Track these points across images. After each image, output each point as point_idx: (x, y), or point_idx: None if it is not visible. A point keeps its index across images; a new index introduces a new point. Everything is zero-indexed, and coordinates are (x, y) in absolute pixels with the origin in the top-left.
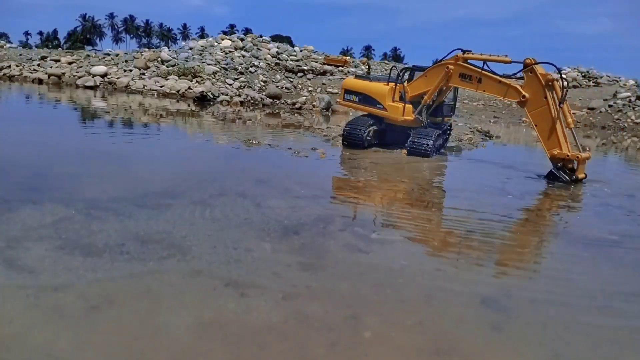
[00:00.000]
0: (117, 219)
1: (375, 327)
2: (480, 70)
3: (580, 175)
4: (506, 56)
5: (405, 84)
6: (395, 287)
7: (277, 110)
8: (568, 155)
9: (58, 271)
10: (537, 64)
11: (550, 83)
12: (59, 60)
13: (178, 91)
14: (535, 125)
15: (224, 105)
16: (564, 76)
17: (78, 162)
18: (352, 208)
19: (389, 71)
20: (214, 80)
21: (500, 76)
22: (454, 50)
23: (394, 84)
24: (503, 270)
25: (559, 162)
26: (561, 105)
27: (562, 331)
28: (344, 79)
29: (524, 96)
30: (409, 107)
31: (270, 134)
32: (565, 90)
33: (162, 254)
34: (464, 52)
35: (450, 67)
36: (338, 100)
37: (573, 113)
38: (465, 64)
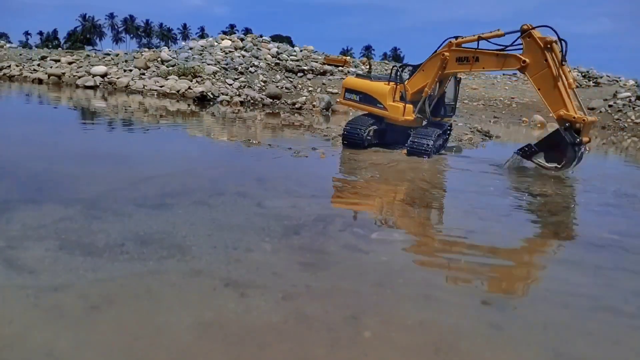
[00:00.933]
0: (117, 219)
1: (375, 327)
2: (474, 49)
3: (585, 139)
4: (499, 30)
5: (405, 83)
6: (395, 287)
7: (277, 110)
8: (575, 118)
9: (58, 271)
10: (534, 28)
11: (549, 45)
12: (59, 60)
13: (178, 91)
14: (539, 89)
15: (224, 105)
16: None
17: (78, 162)
18: (352, 208)
19: (390, 71)
20: (214, 80)
21: (497, 50)
22: (445, 40)
23: (394, 83)
24: (503, 270)
25: (566, 122)
26: (563, 63)
27: (562, 331)
28: (344, 79)
29: (524, 61)
30: (410, 106)
31: (270, 133)
32: (564, 50)
33: (162, 254)
34: (455, 38)
35: (446, 54)
36: (338, 99)
37: None
38: (460, 48)
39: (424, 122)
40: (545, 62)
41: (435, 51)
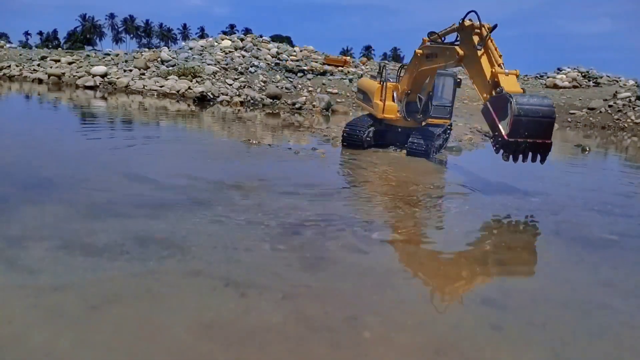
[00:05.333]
0: (117, 219)
1: (375, 327)
2: (436, 45)
3: (509, 88)
4: (454, 25)
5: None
6: (395, 287)
7: (277, 110)
8: (489, 82)
9: (58, 271)
10: (465, 17)
11: (477, 30)
12: (58, 61)
13: (178, 91)
14: (471, 78)
15: (224, 106)
16: (485, 24)
17: (77, 162)
18: (352, 208)
19: (381, 70)
20: (214, 80)
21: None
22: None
23: (383, 82)
24: (503, 270)
25: (489, 102)
26: (478, 48)
27: (562, 331)
28: (344, 79)
29: (458, 53)
30: (391, 105)
31: (270, 134)
32: (488, 31)
33: (162, 254)
34: (429, 34)
35: (418, 51)
36: (355, 99)
37: (572, 113)
38: (427, 45)
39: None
40: (474, 49)
41: None
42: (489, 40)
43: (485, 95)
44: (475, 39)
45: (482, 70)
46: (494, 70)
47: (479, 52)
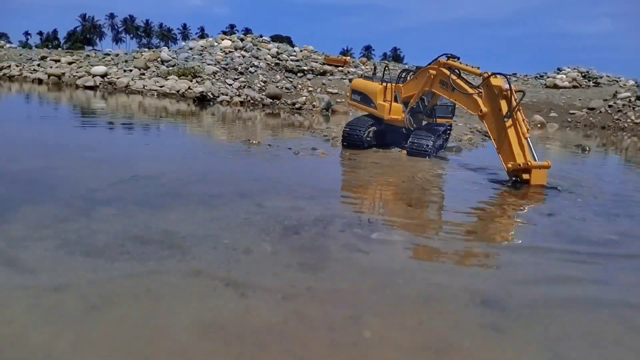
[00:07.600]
0: (117, 219)
1: (375, 327)
2: (455, 79)
3: (536, 182)
4: (478, 68)
5: (402, 85)
6: (395, 287)
7: (277, 110)
8: (520, 165)
9: (58, 271)
10: (491, 75)
11: (504, 93)
12: (58, 61)
13: (178, 91)
14: (494, 139)
15: (224, 106)
16: (513, 87)
17: (78, 162)
18: (353, 208)
19: (382, 71)
20: (214, 80)
21: (471, 86)
22: (441, 55)
23: (386, 83)
24: (504, 270)
25: (514, 174)
26: (506, 119)
27: (562, 331)
28: (344, 79)
29: (481, 110)
30: (397, 106)
31: (270, 133)
32: (517, 102)
33: (162, 254)
34: (448, 57)
35: (432, 72)
36: (349, 101)
37: (572, 113)
38: (445, 71)
39: (415, 124)
40: (500, 112)
41: (430, 63)
42: (518, 111)
43: (509, 165)
44: (503, 103)
45: (510, 144)
46: (530, 163)
47: (507, 123)
